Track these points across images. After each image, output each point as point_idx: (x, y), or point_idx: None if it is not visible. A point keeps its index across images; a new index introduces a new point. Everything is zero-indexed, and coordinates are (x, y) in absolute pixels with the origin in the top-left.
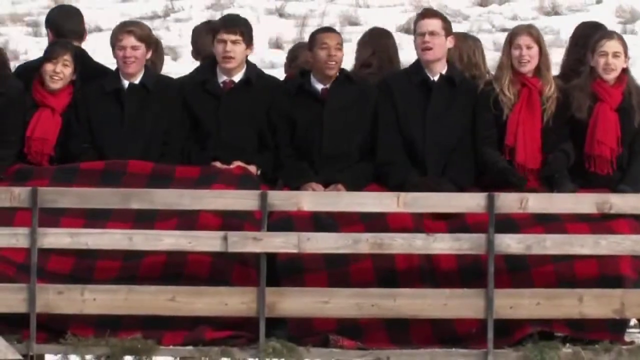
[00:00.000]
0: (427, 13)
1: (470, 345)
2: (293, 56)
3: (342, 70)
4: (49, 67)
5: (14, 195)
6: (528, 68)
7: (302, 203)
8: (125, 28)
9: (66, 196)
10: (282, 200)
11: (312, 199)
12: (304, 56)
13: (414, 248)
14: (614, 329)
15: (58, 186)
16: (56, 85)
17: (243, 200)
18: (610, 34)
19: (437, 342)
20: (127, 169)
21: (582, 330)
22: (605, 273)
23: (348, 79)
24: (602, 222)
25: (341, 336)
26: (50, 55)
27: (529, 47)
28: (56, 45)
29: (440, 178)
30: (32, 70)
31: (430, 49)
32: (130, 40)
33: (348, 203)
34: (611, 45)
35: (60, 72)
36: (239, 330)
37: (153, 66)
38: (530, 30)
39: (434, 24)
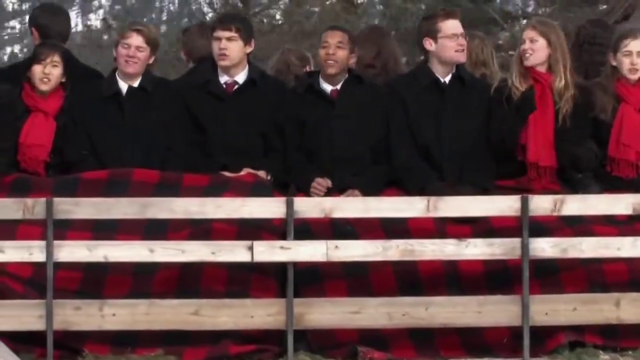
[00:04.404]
0: (454, 13)
1: (502, 355)
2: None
3: (351, 71)
4: (37, 69)
5: (28, 207)
6: (531, 61)
7: (329, 210)
8: (134, 26)
9: (82, 207)
10: (309, 206)
11: (340, 206)
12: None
13: (445, 254)
14: None
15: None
16: (46, 87)
17: (268, 207)
18: (634, 33)
19: (465, 351)
20: (132, 178)
21: (614, 338)
22: (635, 277)
23: (358, 80)
24: (629, 225)
25: (369, 348)
26: (38, 57)
27: (532, 41)
28: (44, 46)
29: (459, 184)
30: (20, 71)
31: (464, 50)
32: (137, 40)
33: (377, 209)
34: (636, 45)
35: (50, 74)
36: (262, 344)
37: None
38: (535, 24)
39: (459, 25)
